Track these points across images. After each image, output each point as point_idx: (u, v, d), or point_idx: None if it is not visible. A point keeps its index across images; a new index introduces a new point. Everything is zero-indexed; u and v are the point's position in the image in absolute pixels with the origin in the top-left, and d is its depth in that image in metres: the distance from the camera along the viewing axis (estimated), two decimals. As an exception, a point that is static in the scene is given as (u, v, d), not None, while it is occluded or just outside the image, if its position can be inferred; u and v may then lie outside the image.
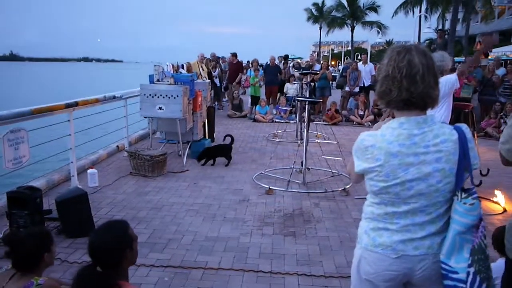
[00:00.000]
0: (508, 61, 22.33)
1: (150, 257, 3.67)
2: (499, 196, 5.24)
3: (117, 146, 7.66)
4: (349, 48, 45.48)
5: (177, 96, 6.29)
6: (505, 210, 5.06)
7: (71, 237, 3.96)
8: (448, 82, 4.74)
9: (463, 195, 1.61)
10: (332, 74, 14.62)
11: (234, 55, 14.08)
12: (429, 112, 1.68)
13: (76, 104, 5.36)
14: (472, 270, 1.58)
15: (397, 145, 1.62)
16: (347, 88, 13.11)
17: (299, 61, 22.20)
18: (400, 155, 1.61)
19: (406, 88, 1.60)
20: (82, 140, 6.64)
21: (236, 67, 13.97)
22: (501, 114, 10.31)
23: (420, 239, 1.66)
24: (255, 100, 12.84)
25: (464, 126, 1.68)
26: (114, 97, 6.73)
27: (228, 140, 7.23)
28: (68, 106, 5.18)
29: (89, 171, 5.69)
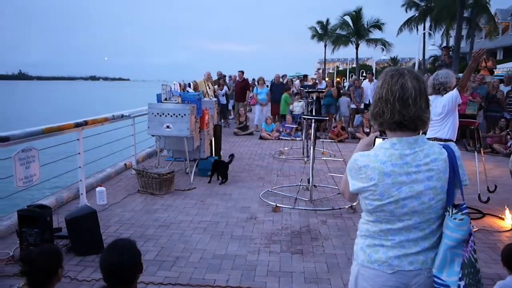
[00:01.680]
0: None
1: (158, 275, 3.69)
2: (507, 214, 5.22)
3: (125, 164, 7.73)
4: (354, 65, 45.69)
5: (185, 114, 6.37)
6: (513, 227, 5.04)
7: (80, 255, 3.99)
8: (450, 98, 4.80)
9: (454, 211, 1.66)
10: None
11: (241, 72, 14.23)
12: (430, 134, 1.73)
13: (85, 123, 5.45)
14: (462, 283, 1.62)
15: (390, 165, 1.68)
16: (352, 106, 13.19)
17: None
18: (393, 175, 1.67)
19: (399, 110, 1.66)
20: (91, 158, 6.71)
21: (242, 84, 14.11)
22: (508, 130, 10.30)
23: (414, 254, 1.70)
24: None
25: (452, 145, 1.75)
26: (122, 116, 6.81)
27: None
28: (77, 125, 5.26)
29: (97, 189, 5.75)
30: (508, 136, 10.21)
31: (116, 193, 6.18)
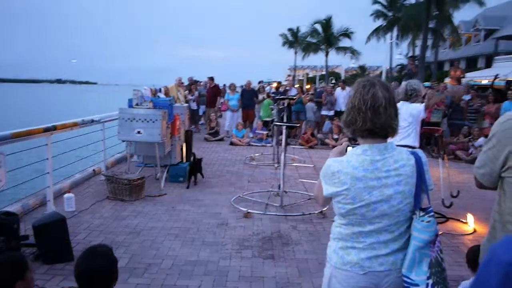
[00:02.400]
0: (476, 86, 23.24)
1: (130, 282, 3.66)
2: (469, 219, 5.45)
3: (94, 170, 7.59)
4: (324, 72, 46.43)
5: (156, 120, 6.34)
6: (475, 231, 5.25)
7: (48, 263, 3.91)
8: (417, 113, 5.04)
9: (421, 214, 1.77)
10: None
11: (211, 79, 14.27)
12: (397, 139, 1.83)
13: (54, 128, 5.35)
14: (430, 282, 1.72)
15: (361, 170, 1.76)
16: (322, 112, 13.41)
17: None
18: (365, 179, 1.75)
19: (370, 119, 1.75)
20: (58, 163, 6.57)
21: (214, 90, 14.14)
22: (469, 137, 10.72)
23: (384, 255, 1.79)
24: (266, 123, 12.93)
25: (420, 151, 1.86)
26: (92, 121, 6.72)
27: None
28: (46, 130, 5.17)
29: (65, 195, 5.63)
30: (470, 143, 10.62)
31: (85, 200, 6.07)
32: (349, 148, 1.89)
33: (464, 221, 5.51)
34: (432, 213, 1.77)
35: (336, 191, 1.79)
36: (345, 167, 1.78)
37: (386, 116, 1.76)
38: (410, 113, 5.00)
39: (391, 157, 1.78)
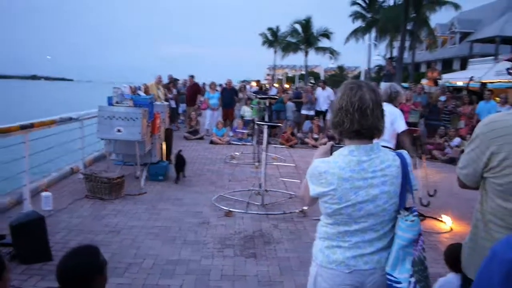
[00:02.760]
0: (452, 88, 23.75)
1: (111, 282, 3.57)
2: (445, 217, 5.58)
3: (71, 168, 7.46)
4: (303, 72, 46.71)
5: (136, 118, 6.27)
6: (451, 229, 5.38)
7: (25, 263, 3.82)
8: (393, 119, 5.08)
9: (405, 213, 1.80)
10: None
11: (192, 77, 14.19)
12: (375, 140, 1.86)
13: (31, 125, 5.23)
14: (413, 280, 1.76)
15: (348, 170, 1.78)
16: (302, 111, 13.49)
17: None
18: (351, 180, 1.77)
19: (358, 120, 1.78)
20: (35, 161, 6.43)
21: (194, 89, 14.07)
22: (445, 137, 10.95)
23: (369, 254, 1.82)
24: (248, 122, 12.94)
25: (404, 152, 1.89)
26: (70, 119, 6.59)
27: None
28: (23, 127, 5.05)
29: (43, 194, 5.51)
30: (446, 143, 10.85)
31: (62, 198, 5.95)
32: (334, 148, 1.91)
33: (441, 219, 5.63)
34: (416, 213, 1.80)
35: (323, 191, 1.81)
36: (332, 167, 1.79)
37: (373, 118, 1.78)
38: (390, 121, 5.08)
39: (377, 157, 1.80)
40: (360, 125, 1.77)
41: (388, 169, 1.80)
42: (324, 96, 13.46)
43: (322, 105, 13.43)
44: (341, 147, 1.86)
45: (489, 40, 28.74)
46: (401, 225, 1.79)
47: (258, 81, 18.64)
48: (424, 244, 1.82)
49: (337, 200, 1.78)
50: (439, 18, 42.84)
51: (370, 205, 1.78)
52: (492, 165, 1.76)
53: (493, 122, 1.78)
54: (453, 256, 2.75)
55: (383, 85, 15.07)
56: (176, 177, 7.18)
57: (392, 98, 5.19)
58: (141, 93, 9.66)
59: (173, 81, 14.90)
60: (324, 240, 1.89)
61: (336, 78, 67.62)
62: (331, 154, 1.89)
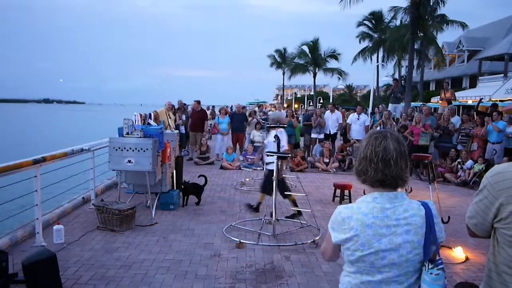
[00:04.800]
0: (461, 106, 23.61)
1: (122, 321, 3.59)
2: (458, 250, 5.42)
3: (83, 197, 7.51)
4: (312, 92, 46.86)
5: (147, 149, 6.31)
6: (467, 259, 5.26)
7: (37, 302, 3.82)
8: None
9: (430, 266, 1.76)
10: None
11: (198, 102, 14.07)
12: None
13: (43, 159, 5.30)
14: None
15: (371, 217, 1.77)
16: (312, 135, 13.49)
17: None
18: (374, 226, 1.76)
19: (382, 170, 1.79)
20: (47, 193, 6.48)
21: (200, 115, 13.90)
22: (458, 160, 10.84)
23: None
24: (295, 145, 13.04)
25: (430, 203, 1.85)
26: (82, 150, 6.67)
27: (201, 180, 7.97)
28: (36, 162, 5.11)
29: (55, 227, 5.54)
30: (459, 166, 10.74)
31: (74, 230, 5.98)
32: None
33: (455, 249, 5.51)
34: (441, 266, 1.76)
35: (346, 237, 1.80)
36: (355, 213, 1.80)
37: (397, 168, 1.79)
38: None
39: (401, 205, 1.79)
40: (384, 174, 1.78)
41: (411, 218, 1.78)
42: (333, 119, 13.47)
43: (331, 128, 13.44)
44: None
45: (498, 58, 28.70)
46: (425, 278, 1.75)
47: (260, 106, 18.68)
48: None
49: (359, 246, 1.76)
50: (446, 36, 42.97)
51: (394, 254, 1.75)
52: (502, 216, 1.74)
53: (500, 173, 1.77)
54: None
55: (391, 107, 15.12)
56: (183, 202, 7.69)
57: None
58: (152, 122, 9.74)
59: (182, 106, 14.98)
60: None
61: (345, 98, 67.79)
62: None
